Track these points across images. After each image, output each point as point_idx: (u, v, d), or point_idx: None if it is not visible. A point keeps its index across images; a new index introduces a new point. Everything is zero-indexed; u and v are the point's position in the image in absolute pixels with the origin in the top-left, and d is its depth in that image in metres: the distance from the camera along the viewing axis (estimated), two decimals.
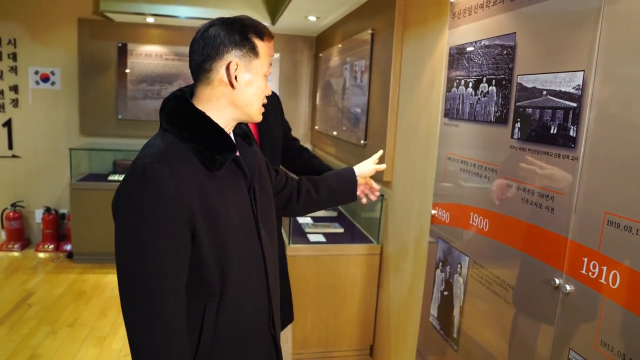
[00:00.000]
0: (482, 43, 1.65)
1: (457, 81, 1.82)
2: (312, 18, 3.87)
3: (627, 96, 1.05)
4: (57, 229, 4.80)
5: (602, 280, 1.10)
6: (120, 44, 4.67)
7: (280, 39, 4.87)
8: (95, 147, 4.75)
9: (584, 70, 1.17)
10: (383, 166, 1.70)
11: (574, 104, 1.20)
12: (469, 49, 1.74)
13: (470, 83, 1.72)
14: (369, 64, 2.97)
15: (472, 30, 1.73)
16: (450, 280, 1.85)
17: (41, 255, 4.63)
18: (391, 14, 2.58)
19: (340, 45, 3.80)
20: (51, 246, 4.70)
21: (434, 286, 2.00)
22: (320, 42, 4.79)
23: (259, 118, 1.21)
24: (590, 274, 1.14)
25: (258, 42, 1.16)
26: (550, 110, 1.29)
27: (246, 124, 1.30)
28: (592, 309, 1.13)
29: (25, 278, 4.05)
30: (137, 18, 4.42)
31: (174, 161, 1.05)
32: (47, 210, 4.73)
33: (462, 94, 1.78)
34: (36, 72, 4.66)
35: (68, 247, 4.63)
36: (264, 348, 1.28)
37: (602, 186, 1.11)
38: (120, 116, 4.77)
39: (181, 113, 1.12)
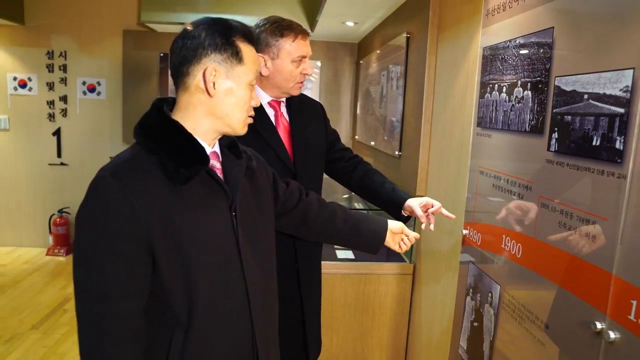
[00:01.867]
0: (517, 41, 1.44)
1: (491, 86, 1.61)
2: (350, 23, 3.73)
3: None
4: None
5: None
6: (162, 54, 4.72)
7: (320, 46, 4.76)
8: None
9: (634, 68, 0.96)
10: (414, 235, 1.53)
11: (621, 110, 0.98)
12: (503, 48, 1.53)
13: (504, 88, 1.52)
14: (404, 69, 2.79)
15: (506, 27, 1.52)
16: (481, 310, 1.64)
17: None
18: (426, 16, 2.39)
19: (378, 51, 3.64)
20: None
21: (463, 315, 1.79)
22: (361, 48, 4.64)
23: (242, 131, 1.09)
24: None
25: (243, 47, 1.04)
26: (592, 118, 1.07)
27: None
28: None
29: (65, 283, 4.12)
30: (179, 28, 4.44)
31: (132, 175, 0.95)
32: None
33: (496, 100, 1.58)
34: (83, 83, 4.80)
35: None
36: None
37: None
38: None
39: (150, 122, 1.02)
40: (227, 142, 1.15)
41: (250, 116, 1.10)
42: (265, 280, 1.15)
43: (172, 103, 1.08)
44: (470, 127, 1.79)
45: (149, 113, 1.05)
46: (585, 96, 1.10)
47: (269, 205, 1.24)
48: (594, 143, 1.06)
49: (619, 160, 0.99)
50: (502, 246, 1.49)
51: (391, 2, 2.92)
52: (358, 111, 4.57)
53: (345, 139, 4.94)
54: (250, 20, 4.09)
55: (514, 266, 1.42)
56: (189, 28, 1.05)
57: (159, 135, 1.00)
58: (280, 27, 1.60)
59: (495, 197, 1.57)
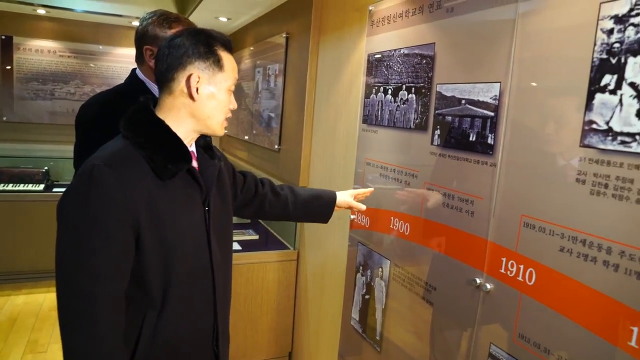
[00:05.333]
0: (402, 52, 1.70)
1: (376, 88, 1.86)
2: (223, 19, 3.76)
3: (538, 107, 1.14)
4: None
5: (520, 278, 1.17)
6: (4, 37, 4.19)
7: None
8: None
9: (500, 82, 1.25)
10: (361, 207, 1.71)
11: (492, 113, 1.27)
12: (388, 56, 1.78)
13: (390, 90, 1.77)
14: (284, 67, 2.95)
15: (391, 38, 1.78)
16: (372, 284, 1.88)
17: None
18: (307, 18, 2.58)
19: (252, 48, 3.74)
20: None
21: (354, 290, 2.02)
22: None
23: (221, 132, 1.19)
24: (508, 272, 1.21)
25: (224, 55, 1.15)
26: (469, 119, 1.36)
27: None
28: (511, 305, 1.20)
29: None
30: (25, 8, 4.00)
31: (124, 165, 1.02)
32: None
33: (381, 101, 1.82)
34: None
35: None
36: None
37: (519, 191, 1.19)
38: (4, 118, 4.27)
39: (139, 119, 1.10)
40: (203, 144, 1.24)
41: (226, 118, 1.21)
42: (226, 268, 1.27)
43: (154, 100, 1.15)
44: (356, 123, 2.03)
45: (137, 110, 1.11)
46: (463, 101, 1.38)
47: (230, 200, 1.35)
48: (470, 139, 1.35)
49: (490, 152, 1.28)
50: (391, 226, 1.75)
51: (270, 1, 3.06)
52: None
53: None
54: (116, 8, 3.86)
55: (403, 242, 1.68)
56: (172, 37, 1.13)
57: (147, 133, 1.08)
58: (168, 20, 1.67)
59: (382, 185, 1.82)
